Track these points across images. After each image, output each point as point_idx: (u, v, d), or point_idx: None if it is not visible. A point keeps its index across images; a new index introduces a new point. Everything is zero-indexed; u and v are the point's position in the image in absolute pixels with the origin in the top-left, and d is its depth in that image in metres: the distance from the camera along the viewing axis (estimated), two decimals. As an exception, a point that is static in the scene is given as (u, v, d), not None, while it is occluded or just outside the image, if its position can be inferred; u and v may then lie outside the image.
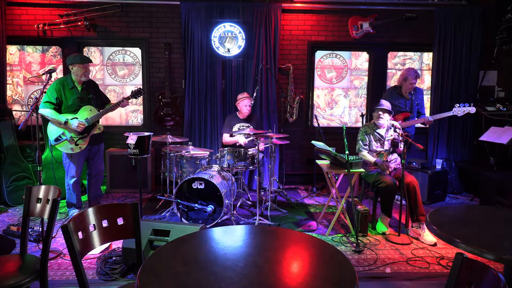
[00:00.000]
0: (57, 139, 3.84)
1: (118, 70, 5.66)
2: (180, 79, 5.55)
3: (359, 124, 5.76)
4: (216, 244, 1.76)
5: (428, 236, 3.52)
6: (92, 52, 5.62)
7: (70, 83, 3.88)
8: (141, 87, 4.95)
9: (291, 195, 5.17)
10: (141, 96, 4.33)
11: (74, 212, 4.03)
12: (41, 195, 2.18)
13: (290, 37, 5.60)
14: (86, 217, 1.79)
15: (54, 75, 5.00)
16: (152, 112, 5.57)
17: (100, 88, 4.27)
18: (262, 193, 5.00)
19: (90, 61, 3.94)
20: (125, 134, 3.84)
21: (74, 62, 3.81)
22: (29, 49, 5.51)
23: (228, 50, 5.33)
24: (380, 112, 3.79)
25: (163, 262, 1.54)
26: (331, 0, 5.49)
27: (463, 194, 5.35)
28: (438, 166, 4.97)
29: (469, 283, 1.31)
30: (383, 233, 3.73)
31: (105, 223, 1.85)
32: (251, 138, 4.46)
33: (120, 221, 1.90)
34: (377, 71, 5.78)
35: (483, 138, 4.80)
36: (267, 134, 4.24)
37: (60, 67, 5.49)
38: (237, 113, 4.86)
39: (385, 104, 3.81)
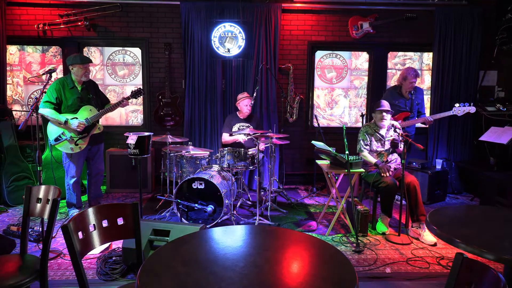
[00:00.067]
0: (57, 139, 3.84)
1: (118, 70, 5.66)
2: (180, 79, 5.55)
3: (359, 124, 5.76)
4: (216, 244, 1.76)
5: (428, 236, 3.52)
6: (92, 52, 5.62)
7: (70, 83, 3.88)
8: (141, 87, 4.95)
9: (291, 195, 5.17)
10: (141, 96, 4.33)
11: (74, 212, 4.03)
12: (41, 195, 2.18)
13: (290, 37, 5.60)
14: (86, 217, 1.79)
15: (54, 75, 5.00)
16: (152, 112, 5.57)
17: (100, 88, 4.27)
18: (262, 193, 5.00)
19: (90, 61, 3.94)
20: (125, 134, 3.84)
21: (74, 63, 3.81)
22: (29, 49, 5.51)
23: (228, 50, 5.33)
24: (384, 114, 3.78)
25: (163, 262, 1.54)
26: (331, 0, 5.49)
27: (463, 194, 5.35)
28: (438, 166, 4.97)
29: (469, 283, 1.31)
30: (383, 233, 3.73)
31: (105, 223, 1.85)
32: (251, 138, 4.45)
33: (120, 221, 1.90)
34: (377, 71, 5.78)
35: (483, 138, 4.80)
36: (267, 134, 4.24)
37: (60, 67, 5.49)
38: (237, 113, 4.86)
39: (386, 104, 3.81)
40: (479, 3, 5.50)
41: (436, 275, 2.94)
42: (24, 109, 5.55)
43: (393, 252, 3.37)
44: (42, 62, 5.54)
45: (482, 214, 2.46)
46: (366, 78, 5.88)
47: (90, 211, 1.82)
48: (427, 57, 5.86)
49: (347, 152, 3.48)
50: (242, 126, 4.74)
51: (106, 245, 3.27)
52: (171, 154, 4.30)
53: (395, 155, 3.98)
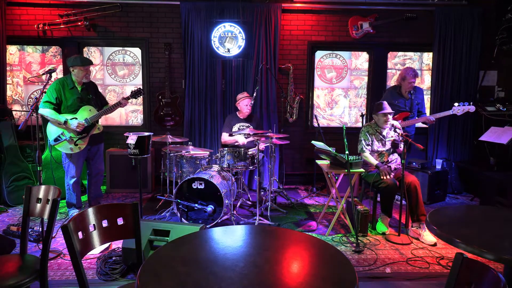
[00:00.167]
0: (56, 139, 3.84)
1: (118, 70, 5.66)
2: (180, 79, 5.55)
3: (359, 124, 5.76)
4: (216, 244, 1.76)
5: (428, 236, 3.52)
6: (92, 52, 5.62)
7: (70, 83, 3.88)
8: (141, 87, 4.95)
9: (291, 195, 5.17)
10: (141, 96, 4.33)
11: (74, 212, 4.03)
12: (41, 195, 2.18)
13: (290, 37, 5.60)
14: (86, 217, 1.79)
15: (54, 75, 5.00)
16: (152, 112, 5.57)
17: (100, 88, 4.27)
18: (262, 193, 5.00)
19: (91, 63, 3.94)
20: (125, 134, 3.84)
21: (75, 64, 3.81)
22: (29, 49, 5.51)
23: (228, 50, 5.33)
24: (389, 116, 3.78)
25: (163, 262, 1.54)
26: (331, 0, 5.49)
27: (463, 194, 5.35)
28: (438, 166, 4.97)
29: (469, 283, 1.31)
30: (383, 233, 3.73)
31: (105, 223, 1.85)
32: (251, 138, 4.45)
33: (120, 221, 1.90)
34: (377, 71, 5.78)
35: (483, 138, 4.80)
36: (267, 134, 4.24)
37: (60, 67, 5.49)
38: (237, 113, 4.86)
39: (388, 106, 3.80)
40: (479, 3, 5.50)
41: (436, 275, 2.94)
42: (24, 109, 5.55)
43: (393, 252, 3.37)
44: (42, 62, 5.54)
45: (482, 214, 2.46)
46: (366, 78, 5.88)
47: (90, 211, 1.82)
48: (427, 57, 5.86)
49: (347, 152, 3.48)
50: (242, 126, 4.74)
51: (106, 245, 3.27)
52: (171, 154, 4.30)
53: (395, 155, 3.99)
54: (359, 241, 3.48)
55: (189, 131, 5.43)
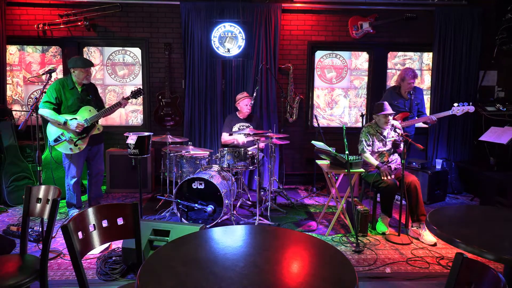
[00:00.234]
0: (56, 140, 3.84)
1: (118, 70, 5.66)
2: (180, 79, 5.55)
3: (359, 124, 5.76)
4: (216, 244, 1.76)
5: (428, 236, 3.52)
6: (92, 52, 5.62)
7: (70, 83, 3.88)
8: (141, 87, 4.95)
9: (291, 195, 5.17)
10: (141, 96, 4.33)
11: (74, 212, 4.03)
12: (41, 195, 2.18)
13: (290, 37, 5.60)
14: (86, 217, 1.79)
15: (54, 75, 5.00)
16: (152, 112, 5.57)
17: (100, 88, 4.28)
18: (262, 193, 5.00)
19: (92, 65, 3.94)
20: (125, 134, 3.84)
21: (76, 66, 3.81)
22: (29, 49, 5.51)
23: (228, 50, 5.33)
24: (390, 117, 3.78)
25: (163, 262, 1.54)
26: (331, 0, 5.49)
27: (463, 194, 5.35)
28: (438, 166, 4.97)
29: (469, 283, 1.31)
30: (383, 233, 3.73)
31: (105, 223, 1.85)
32: (251, 138, 4.45)
33: (120, 221, 1.90)
34: (377, 71, 5.78)
35: (483, 138, 4.80)
36: (267, 134, 4.24)
37: (60, 67, 5.49)
38: (237, 113, 4.86)
39: (389, 107, 3.80)
40: (479, 3, 5.50)
41: (436, 275, 2.94)
42: (24, 109, 5.55)
43: (393, 252, 3.37)
44: (42, 62, 5.54)
45: (482, 214, 2.46)
46: (366, 78, 5.88)
47: (90, 211, 1.82)
48: (427, 57, 5.86)
49: (347, 152, 3.48)
50: (242, 126, 4.74)
51: (106, 245, 3.27)
52: (171, 154, 4.30)
53: (396, 155, 3.98)
54: (359, 241, 3.48)
55: (189, 131, 5.43)
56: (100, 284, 2.75)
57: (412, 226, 3.69)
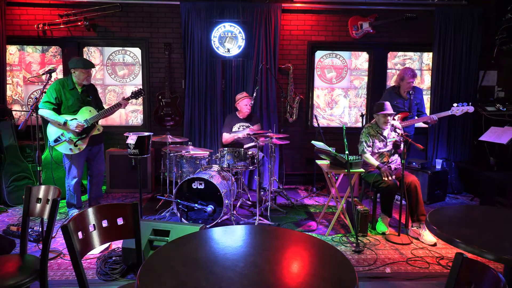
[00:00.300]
0: (56, 140, 3.84)
1: (118, 70, 5.66)
2: (180, 79, 5.55)
3: (359, 124, 5.76)
4: (216, 244, 1.76)
5: (428, 236, 3.52)
6: (92, 52, 5.62)
7: (70, 84, 3.88)
8: (142, 88, 4.95)
9: (291, 195, 5.17)
10: (141, 97, 4.33)
11: (74, 212, 4.03)
12: (41, 195, 2.18)
13: (290, 37, 5.60)
14: (86, 217, 1.79)
15: (54, 75, 5.00)
16: (152, 112, 5.57)
17: (100, 88, 4.27)
18: (262, 193, 5.00)
19: (93, 66, 3.94)
20: (125, 134, 3.84)
21: (77, 67, 3.81)
22: (29, 49, 5.51)
23: (228, 50, 5.33)
24: (389, 118, 3.78)
25: (163, 262, 1.54)
26: (331, 0, 5.49)
27: (463, 194, 5.35)
28: (438, 166, 4.97)
29: (469, 283, 1.31)
30: (383, 233, 3.73)
31: (105, 223, 1.85)
32: (251, 139, 4.45)
33: (120, 221, 1.90)
34: (377, 71, 5.78)
35: (483, 138, 4.80)
36: (267, 134, 4.24)
37: (60, 67, 5.49)
38: (236, 113, 4.86)
39: (389, 107, 3.79)
40: (479, 3, 5.50)
41: (436, 275, 2.94)
42: (24, 109, 5.55)
43: (393, 252, 3.37)
44: (42, 62, 5.54)
45: (482, 214, 2.46)
46: (366, 78, 5.88)
47: (90, 211, 1.82)
48: (427, 57, 5.86)
49: (347, 152, 3.48)
50: (242, 125, 4.74)
51: (106, 245, 3.27)
52: (171, 154, 4.30)
53: (396, 156, 3.98)
54: (359, 241, 3.48)
55: (189, 131, 5.43)
56: (100, 284, 2.75)
57: (412, 226, 3.69)
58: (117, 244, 3.30)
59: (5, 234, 3.49)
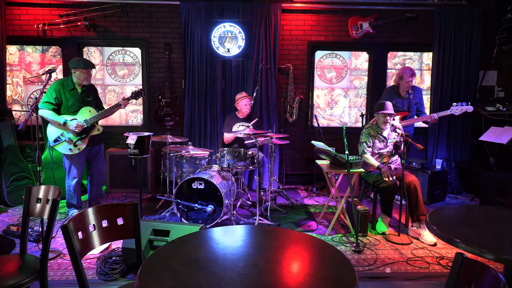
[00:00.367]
0: (56, 140, 3.84)
1: (118, 70, 5.66)
2: (180, 79, 5.55)
3: (359, 124, 5.75)
4: (216, 244, 1.76)
5: (428, 236, 3.52)
6: (92, 52, 5.62)
7: (70, 84, 3.88)
8: (142, 88, 4.94)
9: (291, 195, 5.17)
10: (141, 97, 4.33)
11: (74, 212, 4.02)
12: (41, 195, 2.18)
13: (290, 37, 5.60)
14: (86, 217, 1.79)
15: (54, 75, 5.00)
16: (152, 112, 5.57)
17: (99, 88, 4.27)
18: (262, 193, 5.00)
19: (94, 66, 3.94)
20: (125, 134, 3.84)
21: (77, 67, 3.81)
22: (29, 49, 5.51)
23: (228, 50, 5.33)
24: (388, 118, 3.77)
25: (163, 262, 1.54)
26: (331, 0, 5.49)
27: (463, 194, 5.35)
28: (438, 166, 4.97)
29: (469, 283, 1.31)
30: (383, 233, 3.73)
31: (105, 223, 1.85)
32: (251, 140, 4.45)
33: (120, 221, 1.90)
34: (377, 71, 5.78)
35: (483, 138, 4.80)
36: (267, 134, 4.24)
37: (60, 67, 5.49)
38: (236, 113, 4.86)
39: (390, 107, 3.78)
40: (479, 3, 5.50)
41: (436, 275, 2.94)
42: (24, 109, 5.55)
43: (393, 252, 3.37)
44: (42, 62, 5.54)
45: (482, 214, 2.46)
46: (366, 78, 5.88)
47: (90, 211, 1.82)
48: (427, 57, 5.86)
49: (347, 152, 3.48)
50: (242, 125, 4.74)
51: (106, 245, 3.27)
52: (171, 154, 4.30)
53: (396, 156, 3.98)
54: (359, 241, 3.48)
55: (189, 131, 5.43)
56: (100, 284, 2.75)
57: (412, 226, 3.69)
58: (117, 244, 3.30)
59: (5, 234, 3.50)
